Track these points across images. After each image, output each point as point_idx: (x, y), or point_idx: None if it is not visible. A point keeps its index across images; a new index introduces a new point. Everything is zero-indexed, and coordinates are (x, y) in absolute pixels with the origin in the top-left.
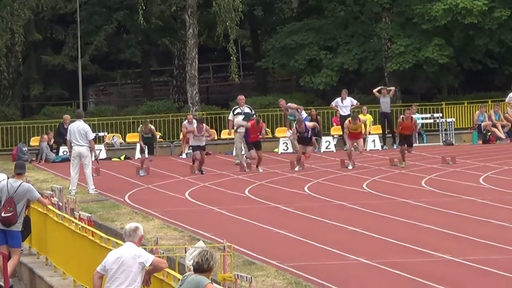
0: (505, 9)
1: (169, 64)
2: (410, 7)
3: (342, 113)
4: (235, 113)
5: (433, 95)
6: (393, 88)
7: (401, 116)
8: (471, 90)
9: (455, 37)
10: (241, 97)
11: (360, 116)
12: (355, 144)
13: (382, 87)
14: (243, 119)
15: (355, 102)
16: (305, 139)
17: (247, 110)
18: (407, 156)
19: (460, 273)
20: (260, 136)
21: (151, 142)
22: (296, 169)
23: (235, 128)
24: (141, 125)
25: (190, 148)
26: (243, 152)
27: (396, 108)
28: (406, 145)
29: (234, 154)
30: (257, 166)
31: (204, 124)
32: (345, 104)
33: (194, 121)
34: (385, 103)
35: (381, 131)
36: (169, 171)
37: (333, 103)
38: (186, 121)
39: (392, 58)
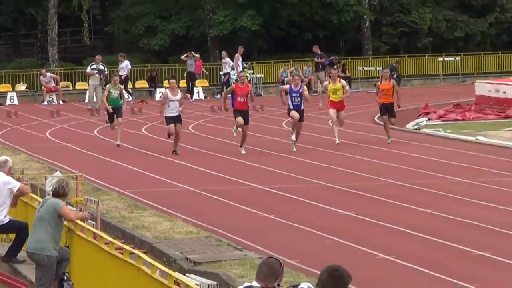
0: None
1: (35, 28)
2: None
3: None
4: (91, 67)
5: (247, 56)
6: (198, 55)
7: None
8: (277, 52)
9: (265, 9)
10: (98, 57)
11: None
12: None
13: (189, 52)
14: (96, 73)
15: (129, 66)
16: (296, 107)
17: (101, 67)
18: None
19: (265, 198)
20: (249, 102)
21: (119, 106)
22: (293, 137)
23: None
24: (109, 85)
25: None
26: (94, 100)
27: (216, 66)
28: (387, 115)
29: (86, 101)
30: (241, 146)
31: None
32: (121, 66)
33: (48, 74)
34: (191, 65)
35: (207, 84)
36: (34, 115)
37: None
38: (41, 75)
39: (214, 26)
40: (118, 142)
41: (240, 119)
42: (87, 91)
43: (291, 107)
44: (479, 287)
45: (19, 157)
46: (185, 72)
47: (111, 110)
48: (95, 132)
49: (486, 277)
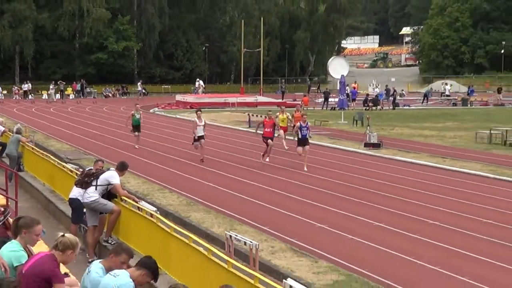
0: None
1: (9, 69)
2: None
3: None
4: (51, 87)
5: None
6: (64, 82)
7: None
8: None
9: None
10: (61, 82)
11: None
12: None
13: (61, 81)
14: (52, 88)
15: (29, 84)
16: (304, 136)
17: (60, 85)
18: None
19: (114, 142)
20: (275, 134)
21: (139, 124)
22: (305, 169)
23: None
24: (133, 111)
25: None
26: (52, 98)
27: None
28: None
29: (47, 98)
30: (264, 155)
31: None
32: (24, 85)
33: (15, 87)
34: (62, 86)
35: (73, 93)
36: (9, 102)
37: None
38: (13, 88)
39: (80, 70)
40: (136, 147)
41: (267, 143)
42: (48, 95)
43: (299, 136)
44: None
45: (4, 118)
46: (59, 90)
47: (132, 129)
48: (33, 109)
49: None
